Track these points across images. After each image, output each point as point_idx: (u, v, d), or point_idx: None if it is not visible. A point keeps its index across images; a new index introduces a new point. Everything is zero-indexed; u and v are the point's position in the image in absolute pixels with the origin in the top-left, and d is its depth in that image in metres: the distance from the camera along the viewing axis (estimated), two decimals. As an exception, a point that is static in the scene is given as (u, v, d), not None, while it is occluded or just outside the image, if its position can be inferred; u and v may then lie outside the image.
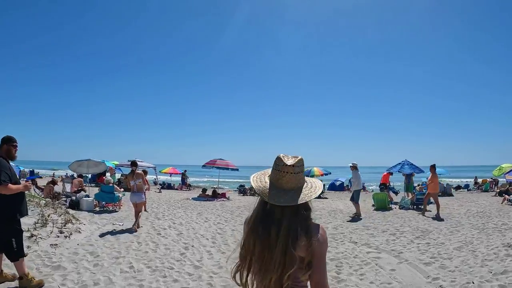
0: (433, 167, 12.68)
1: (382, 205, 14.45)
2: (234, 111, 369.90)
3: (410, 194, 18.30)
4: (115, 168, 26.05)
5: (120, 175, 26.63)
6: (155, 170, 25.92)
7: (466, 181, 38.65)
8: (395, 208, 14.84)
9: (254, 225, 1.66)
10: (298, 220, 1.61)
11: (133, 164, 9.59)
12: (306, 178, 1.80)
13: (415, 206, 14.63)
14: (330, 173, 24.52)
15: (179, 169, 37.97)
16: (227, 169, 19.14)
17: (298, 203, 1.61)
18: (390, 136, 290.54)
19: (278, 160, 1.67)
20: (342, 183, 35.93)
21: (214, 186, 34.00)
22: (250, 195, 24.80)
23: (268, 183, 1.69)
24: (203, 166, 19.49)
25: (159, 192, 24.04)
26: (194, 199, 18.40)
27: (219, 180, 24.91)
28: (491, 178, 32.78)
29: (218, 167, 19.04)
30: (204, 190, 18.99)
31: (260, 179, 1.75)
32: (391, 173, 18.98)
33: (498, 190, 21.84)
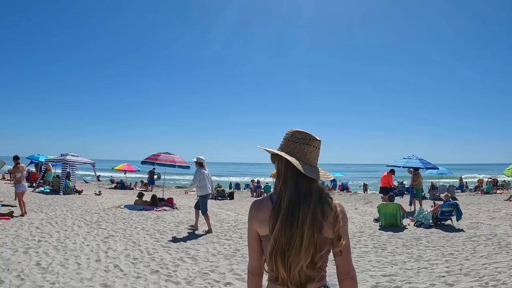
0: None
1: (391, 222, 9.73)
2: (214, 109, 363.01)
3: (418, 201, 13.82)
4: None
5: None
6: (93, 166, 20.63)
7: (452, 181, 35.10)
8: (409, 224, 10.18)
9: (286, 209, 1.51)
10: (324, 199, 1.56)
11: (15, 158, 10.64)
12: None
13: (438, 222, 10.01)
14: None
15: (134, 166, 32.74)
16: (173, 166, 14.04)
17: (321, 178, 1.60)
18: (384, 134, 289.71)
19: (304, 134, 1.62)
20: (323, 183, 31.49)
21: (184, 188, 28.92)
22: (223, 198, 19.89)
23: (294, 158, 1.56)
24: (143, 162, 14.37)
25: (97, 194, 18.72)
26: (127, 207, 13.29)
27: (165, 179, 19.76)
28: (490, 178, 29.06)
29: (161, 164, 13.91)
30: (141, 195, 13.88)
31: (288, 150, 1.61)
32: (393, 172, 14.34)
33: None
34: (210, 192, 9.15)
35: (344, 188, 32.13)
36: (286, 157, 1.54)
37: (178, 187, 37.15)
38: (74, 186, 19.36)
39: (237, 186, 32.93)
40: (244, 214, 12.62)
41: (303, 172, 1.49)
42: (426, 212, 9.98)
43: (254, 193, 23.60)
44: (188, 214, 12.28)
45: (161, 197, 14.69)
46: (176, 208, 13.46)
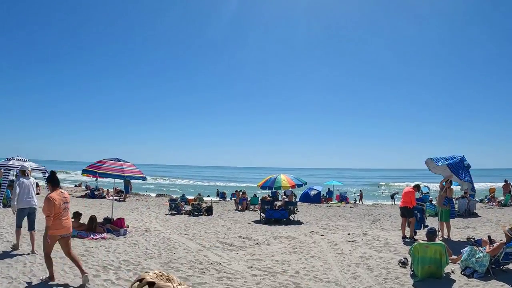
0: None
1: (431, 271, 6.25)
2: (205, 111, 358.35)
3: (445, 224, 10.51)
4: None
5: None
6: (44, 174, 17.06)
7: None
8: (453, 271, 6.71)
9: None
10: None
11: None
12: None
13: (498, 268, 6.58)
14: (305, 184, 16.25)
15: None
16: (122, 177, 10.44)
17: None
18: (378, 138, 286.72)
19: None
20: (319, 192, 28.00)
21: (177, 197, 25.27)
22: (186, 213, 16.39)
23: None
24: (84, 171, 10.82)
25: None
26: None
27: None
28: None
29: (104, 174, 10.32)
30: (77, 214, 10.29)
31: None
32: (418, 188, 10.94)
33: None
34: (30, 206, 7.75)
35: (343, 198, 28.69)
36: None
37: (160, 195, 33.65)
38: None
39: (223, 195, 29.38)
40: (213, 248, 9.10)
41: None
42: (482, 255, 6.51)
43: (239, 206, 20.10)
44: (132, 246, 8.73)
45: (108, 217, 11.15)
46: (123, 235, 9.91)
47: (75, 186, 34.09)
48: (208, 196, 33.01)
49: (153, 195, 33.61)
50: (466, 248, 7.01)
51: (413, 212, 10.20)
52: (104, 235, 9.50)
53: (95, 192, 25.44)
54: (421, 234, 10.50)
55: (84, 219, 10.35)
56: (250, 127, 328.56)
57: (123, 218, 11.11)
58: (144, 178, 10.94)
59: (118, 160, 10.96)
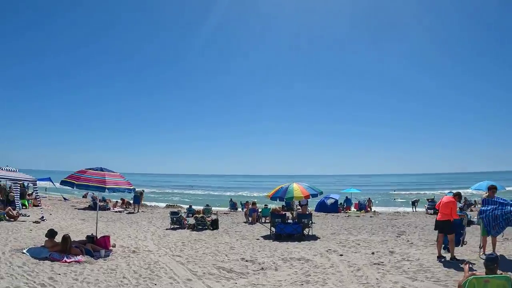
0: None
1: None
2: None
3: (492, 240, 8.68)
4: None
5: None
6: (34, 184, 15.87)
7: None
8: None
9: None
10: None
11: None
12: None
13: None
14: (320, 193, 14.46)
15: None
16: (102, 189, 8.89)
17: None
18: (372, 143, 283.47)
19: None
20: (336, 201, 26.07)
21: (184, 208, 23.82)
22: (189, 228, 14.85)
23: None
24: (62, 182, 9.36)
25: (37, 222, 13.80)
26: (31, 252, 8.25)
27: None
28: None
29: (83, 186, 8.80)
30: (51, 233, 8.79)
31: None
32: (460, 197, 9.09)
33: None
34: None
35: (362, 207, 26.71)
36: None
37: (169, 205, 32.12)
38: (8, 209, 14.32)
39: (234, 206, 27.71)
40: (206, 276, 7.45)
41: None
42: None
43: (250, 218, 18.45)
44: (108, 273, 7.16)
45: (92, 234, 9.64)
46: (103, 257, 8.36)
47: (83, 197, 32.89)
48: (218, 205, 31.51)
49: (163, 205, 32.22)
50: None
51: (453, 227, 8.39)
52: (80, 257, 7.96)
53: (99, 204, 24.14)
54: (459, 251, 8.72)
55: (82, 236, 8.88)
56: (270, 136, 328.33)
57: (108, 237, 9.58)
58: (130, 191, 9.42)
59: (102, 169, 9.45)
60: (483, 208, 8.89)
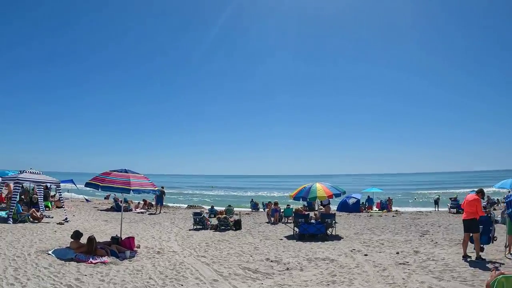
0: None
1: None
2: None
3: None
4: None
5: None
6: (57, 186, 16.20)
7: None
8: None
9: None
10: None
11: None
12: None
13: None
14: (344, 192, 14.27)
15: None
16: (127, 190, 9.01)
17: None
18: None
19: None
20: (358, 201, 25.72)
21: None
22: (226, 227, 14.86)
23: None
24: (87, 184, 9.53)
25: (61, 223, 14.09)
26: (56, 253, 8.41)
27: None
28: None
29: (108, 188, 8.97)
30: (77, 234, 8.96)
31: None
32: (483, 194, 8.80)
33: None
34: None
35: (384, 206, 26.29)
36: None
37: (191, 206, 32.21)
38: (32, 211, 14.64)
39: (255, 206, 27.68)
40: (232, 276, 7.44)
41: None
42: None
43: (272, 218, 18.38)
44: (134, 274, 7.22)
45: (116, 235, 9.75)
46: (128, 258, 8.45)
47: (105, 198, 33.44)
48: (241, 206, 31.51)
49: (184, 206, 32.42)
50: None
51: (478, 225, 8.13)
52: (105, 258, 8.06)
53: (122, 205, 24.46)
54: (484, 251, 8.44)
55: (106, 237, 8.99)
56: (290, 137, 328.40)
57: (133, 238, 9.67)
58: (154, 192, 9.51)
59: (126, 171, 9.56)
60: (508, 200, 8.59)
